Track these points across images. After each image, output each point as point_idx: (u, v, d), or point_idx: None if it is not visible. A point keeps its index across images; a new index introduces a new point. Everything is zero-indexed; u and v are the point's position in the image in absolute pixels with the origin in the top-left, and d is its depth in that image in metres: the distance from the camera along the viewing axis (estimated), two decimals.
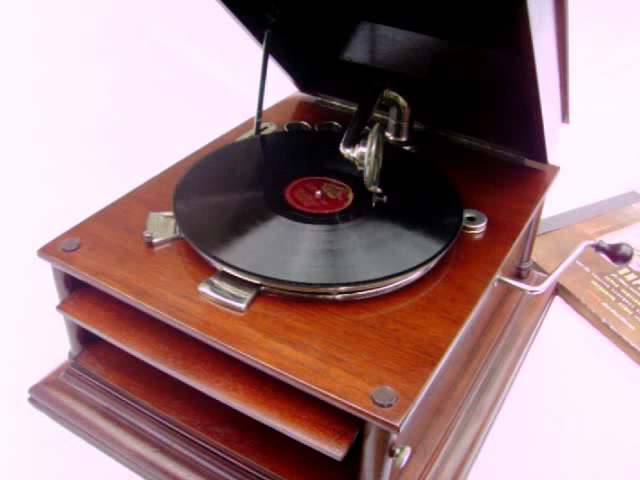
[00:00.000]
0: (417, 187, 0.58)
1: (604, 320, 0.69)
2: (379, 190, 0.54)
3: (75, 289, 0.52)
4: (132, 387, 0.54)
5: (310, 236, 0.51)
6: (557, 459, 0.57)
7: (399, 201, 0.55)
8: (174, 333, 0.48)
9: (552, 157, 0.63)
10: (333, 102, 0.74)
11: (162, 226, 0.53)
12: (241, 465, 0.50)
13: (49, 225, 0.57)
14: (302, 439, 0.43)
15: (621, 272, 0.75)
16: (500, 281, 0.53)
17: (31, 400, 0.58)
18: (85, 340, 0.56)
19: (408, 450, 0.42)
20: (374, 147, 0.51)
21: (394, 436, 0.41)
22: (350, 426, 0.43)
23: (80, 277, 0.49)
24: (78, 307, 0.52)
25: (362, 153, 0.51)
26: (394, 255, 0.49)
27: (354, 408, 0.40)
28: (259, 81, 0.66)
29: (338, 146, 0.52)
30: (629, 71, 1.17)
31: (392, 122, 0.64)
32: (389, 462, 0.43)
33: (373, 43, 0.68)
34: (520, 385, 0.63)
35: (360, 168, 0.52)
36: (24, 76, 1.16)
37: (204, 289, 0.47)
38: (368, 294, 0.47)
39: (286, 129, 0.68)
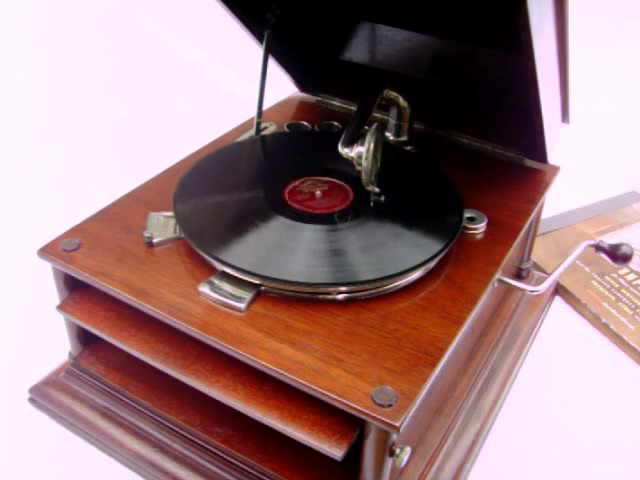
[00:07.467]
0: (417, 187, 0.58)
1: (604, 320, 0.69)
2: (377, 190, 0.54)
3: (75, 289, 0.53)
4: (132, 387, 0.54)
5: (310, 236, 0.51)
6: (557, 459, 0.57)
7: (399, 201, 0.55)
8: (174, 333, 0.48)
9: (552, 157, 0.62)
10: (333, 102, 0.74)
11: (162, 226, 0.53)
12: (241, 465, 0.50)
13: (49, 225, 0.57)
14: (302, 439, 0.43)
15: (621, 272, 0.75)
16: (500, 281, 0.53)
17: (31, 400, 0.58)
18: (85, 340, 0.56)
19: (408, 450, 0.42)
20: (372, 147, 0.51)
21: (394, 436, 0.41)
22: (350, 426, 0.43)
23: (80, 277, 0.49)
24: (78, 307, 0.52)
25: (360, 153, 0.51)
26: (394, 255, 0.49)
27: (354, 408, 0.40)
28: (259, 81, 0.66)
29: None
30: (629, 71, 1.17)
31: (392, 122, 0.64)
32: (389, 462, 0.43)
33: (373, 43, 0.68)
34: (520, 385, 0.63)
35: (358, 168, 0.52)
36: (24, 76, 1.16)
37: (204, 289, 0.47)
38: (368, 294, 0.47)
39: (286, 129, 0.68)
